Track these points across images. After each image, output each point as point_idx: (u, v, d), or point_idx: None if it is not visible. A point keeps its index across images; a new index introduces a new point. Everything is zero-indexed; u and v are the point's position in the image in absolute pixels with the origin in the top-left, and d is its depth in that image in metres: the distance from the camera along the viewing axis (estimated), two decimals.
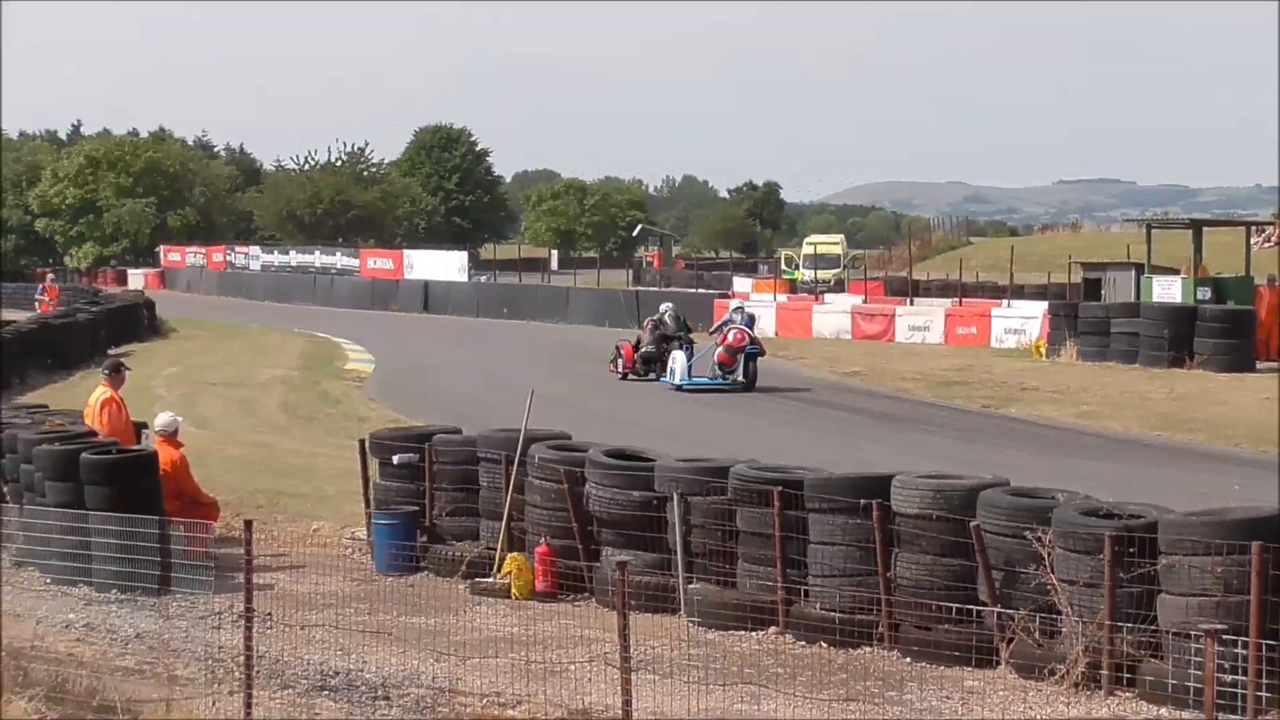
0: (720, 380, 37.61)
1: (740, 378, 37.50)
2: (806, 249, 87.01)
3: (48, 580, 17.68)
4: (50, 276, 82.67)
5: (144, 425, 21.14)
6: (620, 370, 40.73)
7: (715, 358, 37.90)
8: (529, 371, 40.44)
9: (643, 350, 40.51)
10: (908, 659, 14.48)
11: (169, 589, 16.56)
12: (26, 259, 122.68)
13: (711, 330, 41.39)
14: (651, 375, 39.80)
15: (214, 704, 12.95)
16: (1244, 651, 12.32)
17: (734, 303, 46.78)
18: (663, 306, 42.91)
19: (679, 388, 37.61)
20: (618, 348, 41.64)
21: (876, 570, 14.93)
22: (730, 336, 37.84)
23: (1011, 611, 13.99)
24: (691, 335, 41.26)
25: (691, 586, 16.14)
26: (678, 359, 38.31)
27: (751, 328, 39.08)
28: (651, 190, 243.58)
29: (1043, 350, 44.17)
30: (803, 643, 15.08)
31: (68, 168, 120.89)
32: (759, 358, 38.06)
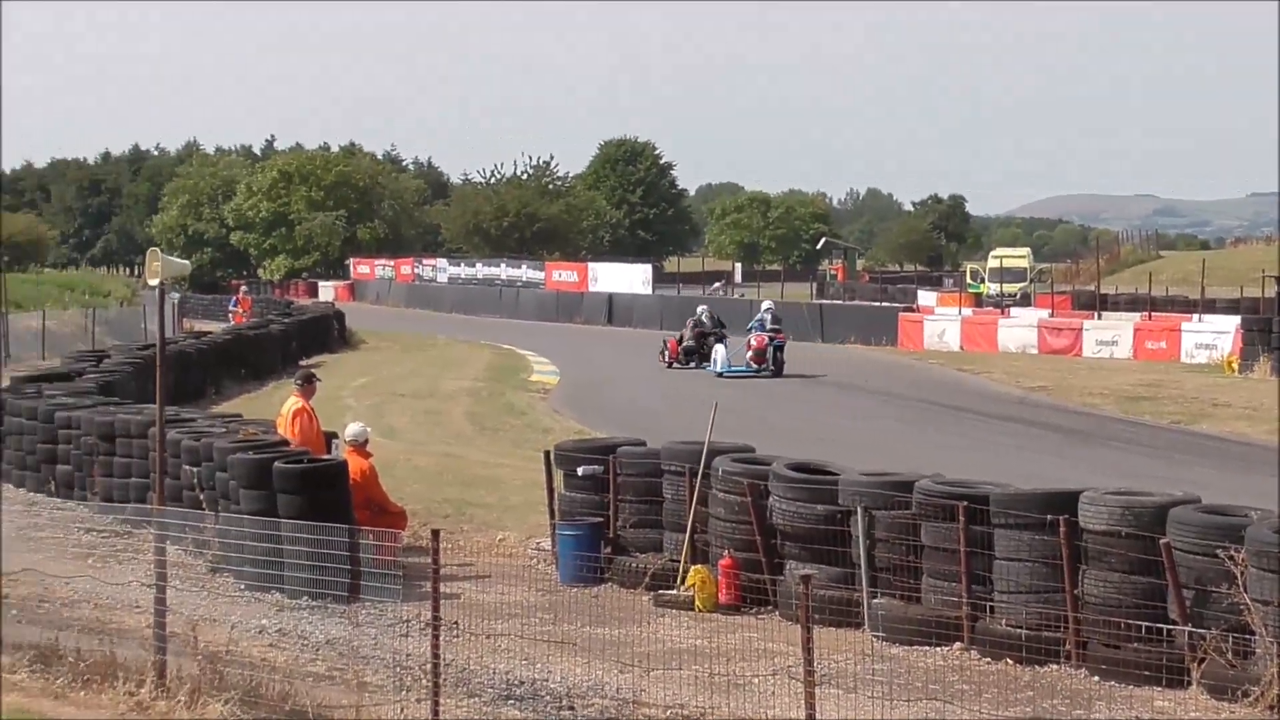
0: (754, 369, 44.95)
1: (770, 367, 44.75)
2: (992, 262, 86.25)
3: (242, 586, 17.99)
4: (244, 288, 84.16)
5: (334, 435, 21.46)
6: (666, 360, 48.52)
7: (748, 355, 45.29)
8: (712, 384, 40.49)
9: (684, 344, 48.56)
10: (1095, 677, 14.28)
11: (358, 597, 16.77)
12: (222, 271, 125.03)
13: (747, 328, 46.79)
14: (692, 364, 47.71)
15: (401, 711, 13.12)
16: None
17: (764, 303, 50.97)
18: (699, 308, 52.12)
19: (720, 374, 44.82)
20: (665, 342, 49.91)
21: (1063, 587, 14.75)
22: (753, 342, 45.24)
23: (1203, 631, 13.75)
24: (725, 330, 48.97)
25: (875, 601, 16.07)
26: (718, 351, 46.27)
27: (778, 324, 46.16)
28: (835, 203, 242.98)
29: (1235, 366, 43.45)
30: (988, 659, 14.95)
31: (261, 182, 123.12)
32: (783, 347, 45.38)
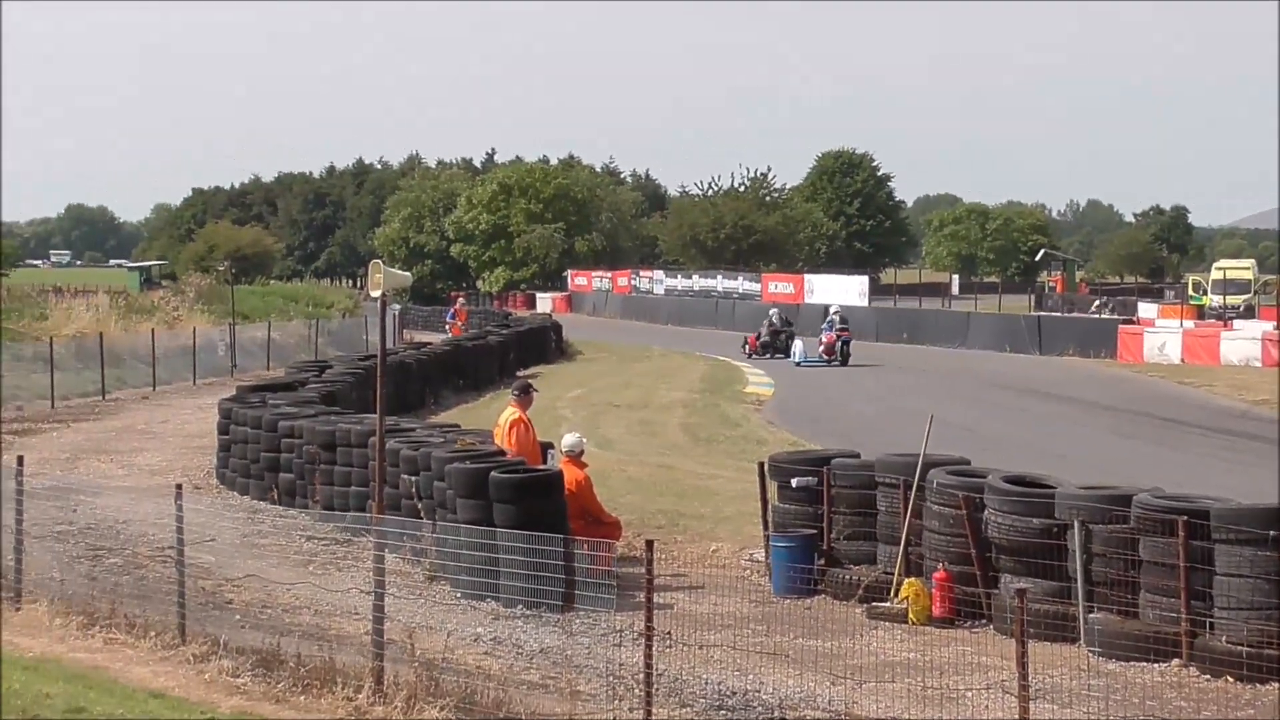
0: (825, 361, 55.41)
1: (839, 359, 55.17)
2: (1215, 274, 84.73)
3: (459, 595, 18.24)
4: (461, 300, 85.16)
5: (550, 445, 21.67)
6: (746, 352, 60.49)
7: (820, 349, 56.12)
8: (927, 396, 40.28)
9: (761, 340, 60.87)
10: None
11: (573, 606, 16.92)
12: (442, 283, 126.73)
13: (821, 327, 57.75)
14: (768, 356, 59.29)
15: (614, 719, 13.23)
16: None
17: (833, 307, 61.22)
18: (771, 311, 64.78)
19: (798, 364, 55.64)
20: (745, 339, 62.87)
21: None
22: (823, 339, 56.31)
23: None
24: (793, 328, 61.32)
25: (1092, 615, 15.88)
26: (798, 346, 57.58)
27: (845, 325, 56.77)
28: (1055, 214, 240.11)
29: None
30: (1207, 676, 14.70)
31: (481, 195, 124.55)
32: (849, 343, 55.99)
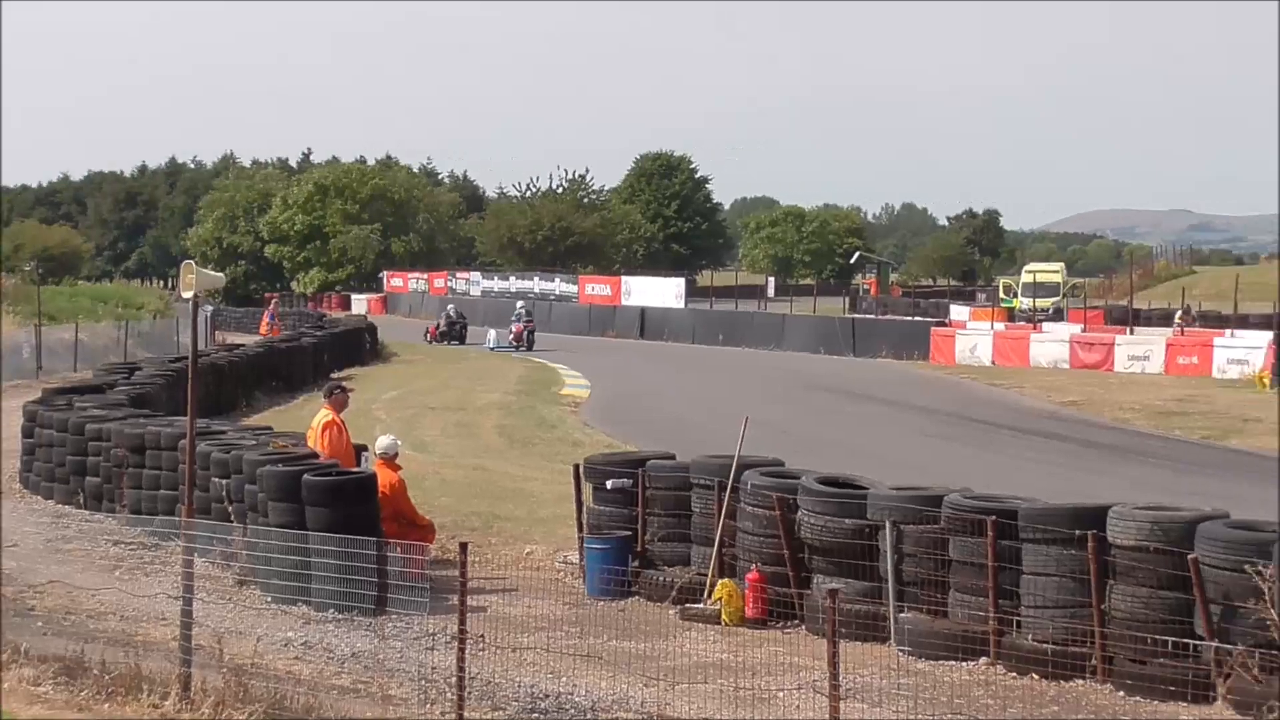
0: (514, 347, 66.01)
1: (526, 347, 65.70)
2: (1025, 277, 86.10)
3: (269, 599, 18.03)
4: (274, 301, 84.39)
5: (364, 448, 21.50)
6: (428, 339, 71.66)
7: (510, 338, 67.10)
8: (743, 398, 40.52)
9: (440, 330, 72.41)
10: (1121, 693, 14.25)
11: (385, 610, 16.80)
12: (256, 284, 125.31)
13: (510, 319, 69.29)
14: (445, 343, 70.73)
15: None
16: None
17: (519, 304, 73.77)
18: (449, 307, 76.60)
19: (492, 350, 65.78)
20: (427, 328, 74.25)
21: (1090, 602, 14.72)
22: (513, 329, 67.46)
23: (1230, 647, 13.72)
24: (466, 321, 73.94)
25: (902, 615, 16.05)
26: (491, 334, 68.72)
27: (530, 317, 68.71)
28: (870, 217, 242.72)
29: (1267, 382, 43.32)
30: (1014, 674, 14.91)
31: (297, 195, 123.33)
32: (534, 331, 67.73)
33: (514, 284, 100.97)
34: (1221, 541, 14.15)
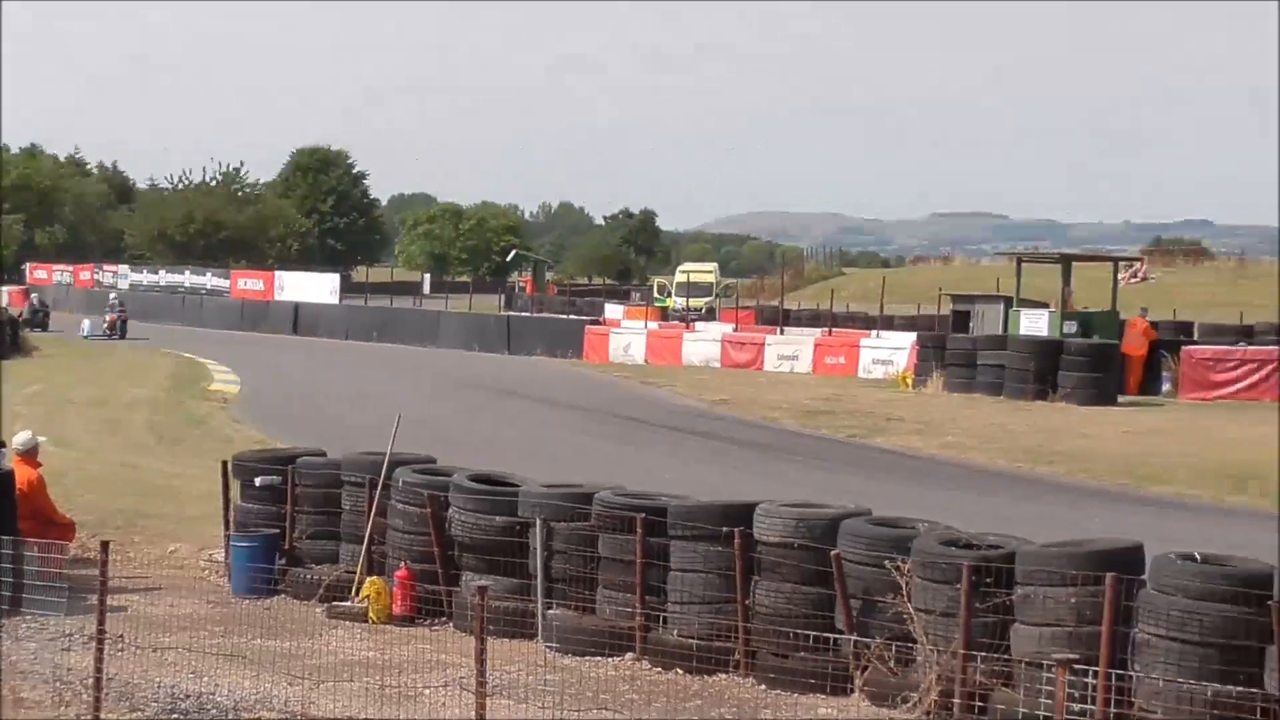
0: (108, 335, 68.69)
1: (119, 335, 68.76)
2: (679, 277, 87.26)
3: None
4: None
5: (1, 444, 20.80)
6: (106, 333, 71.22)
7: (104, 327, 69.72)
8: (397, 395, 40.26)
9: (24, 317, 67.28)
10: (762, 686, 14.52)
11: (19, 610, 16.29)
12: None
13: (104, 309, 72.32)
14: (28, 330, 66.00)
15: None
16: (1093, 681, 12.48)
17: (112, 294, 77.80)
18: (32, 295, 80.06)
19: (85, 337, 67.78)
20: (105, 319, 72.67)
21: (736, 598, 14.95)
22: (107, 318, 70.29)
23: (867, 640, 14.07)
24: (49, 307, 76.03)
25: (551, 612, 16.11)
26: (85, 323, 70.51)
27: (124, 307, 72.17)
28: (527, 216, 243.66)
29: (910, 381, 44.52)
30: (659, 669, 15.08)
31: None
32: (127, 321, 70.66)
33: (164, 278, 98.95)
34: (863, 538, 14.50)
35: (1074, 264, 47.24)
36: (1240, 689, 12.37)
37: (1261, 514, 24.28)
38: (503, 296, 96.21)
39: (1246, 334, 56.37)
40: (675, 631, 15.31)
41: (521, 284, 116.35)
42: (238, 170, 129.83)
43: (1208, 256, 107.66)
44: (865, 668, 14.05)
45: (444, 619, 16.95)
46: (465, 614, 16.21)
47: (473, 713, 11.08)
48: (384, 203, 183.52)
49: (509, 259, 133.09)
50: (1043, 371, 39.84)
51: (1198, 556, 13.12)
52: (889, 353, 50.20)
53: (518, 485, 17.29)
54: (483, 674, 11.11)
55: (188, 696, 13.81)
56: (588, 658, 15.38)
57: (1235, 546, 15.12)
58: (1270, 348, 45.47)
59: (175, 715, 13.35)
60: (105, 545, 12.99)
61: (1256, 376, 42.07)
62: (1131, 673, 12.74)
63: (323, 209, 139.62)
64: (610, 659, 15.33)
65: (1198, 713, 12.41)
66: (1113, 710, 12.51)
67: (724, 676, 14.75)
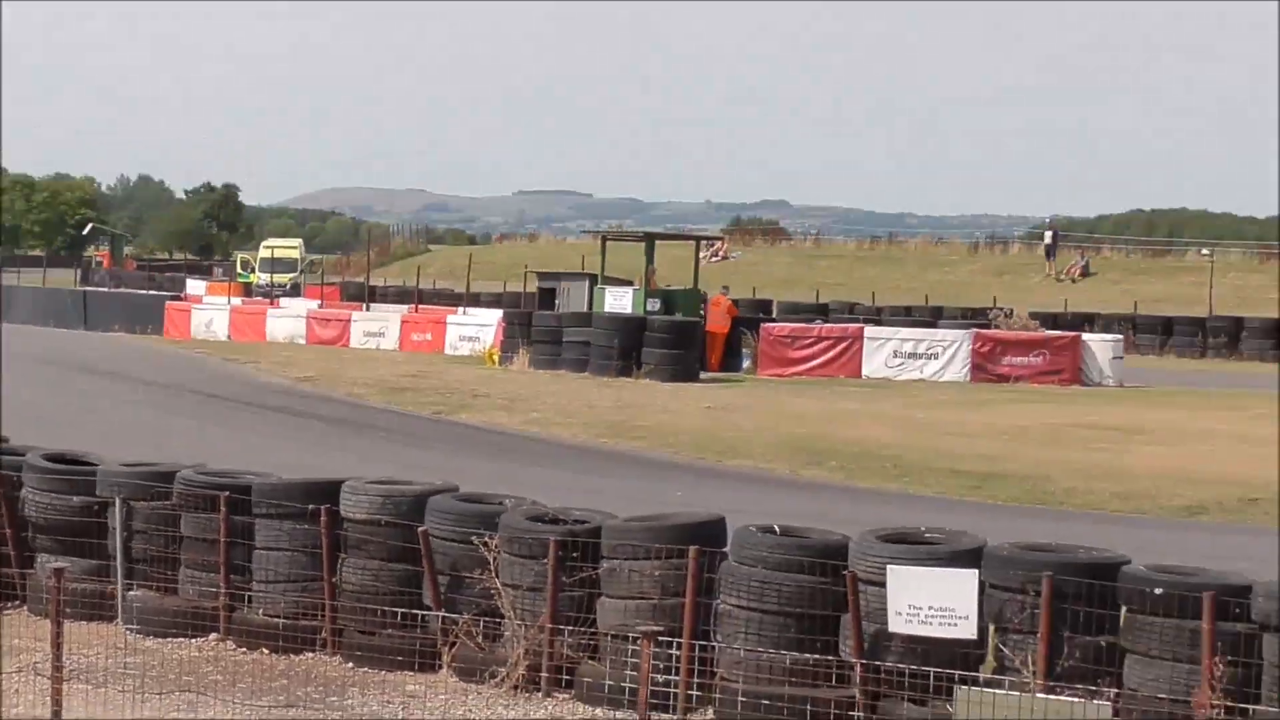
0: None
1: None
2: (263, 253, 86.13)
3: None
4: None
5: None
6: None
7: None
8: None
9: None
10: (350, 664, 14.44)
11: None
12: None
13: None
14: None
15: None
16: (677, 652, 12.73)
17: None
18: None
19: None
20: None
21: (323, 576, 14.84)
22: None
23: (455, 616, 14.09)
24: None
25: (131, 593, 15.73)
26: None
27: None
28: (105, 189, 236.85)
29: (496, 358, 44.72)
30: (244, 649, 14.86)
31: None
32: None
33: None
34: (450, 514, 14.53)
35: (657, 242, 48.09)
36: (817, 656, 12.77)
37: (836, 487, 25.13)
38: (79, 271, 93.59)
39: (822, 312, 58.25)
40: (261, 611, 15.11)
41: (98, 259, 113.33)
42: None
43: (785, 236, 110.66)
44: (453, 643, 14.08)
45: (18, 603, 16.39)
46: (40, 597, 15.71)
47: (48, 698, 10.74)
48: None
49: (85, 233, 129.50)
50: (627, 348, 40.38)
51: (777, 529, 13.47)
52: (475, 330, 50.35)
53: (95, 464, 16.83)
54: (59, 659, 10.81)
55: None
56: (170, 639, 15.07)
57: (812, 518, 15.62)
58: (846, 325, 47.01)
59: None
60: None
61: (832, 353, 43.45)
62: (714, 643, 13.03)
63: None
64: (194, 640, 15.05)
65: (777, 679, 12.76)
66: (696, 680, 12.79)
67: (311, 655, 14.63)
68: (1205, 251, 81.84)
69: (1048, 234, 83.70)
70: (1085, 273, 79.34)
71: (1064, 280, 77.70)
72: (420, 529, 14.35)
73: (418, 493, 14.98)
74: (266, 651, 14.72)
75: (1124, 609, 12.28)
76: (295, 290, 73.93)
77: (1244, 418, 34.77)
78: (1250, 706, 11.64)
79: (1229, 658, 11.60)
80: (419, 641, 14.18)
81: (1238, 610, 11.90)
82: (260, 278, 79.18)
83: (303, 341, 54.15)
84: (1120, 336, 48.12)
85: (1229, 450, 29.25)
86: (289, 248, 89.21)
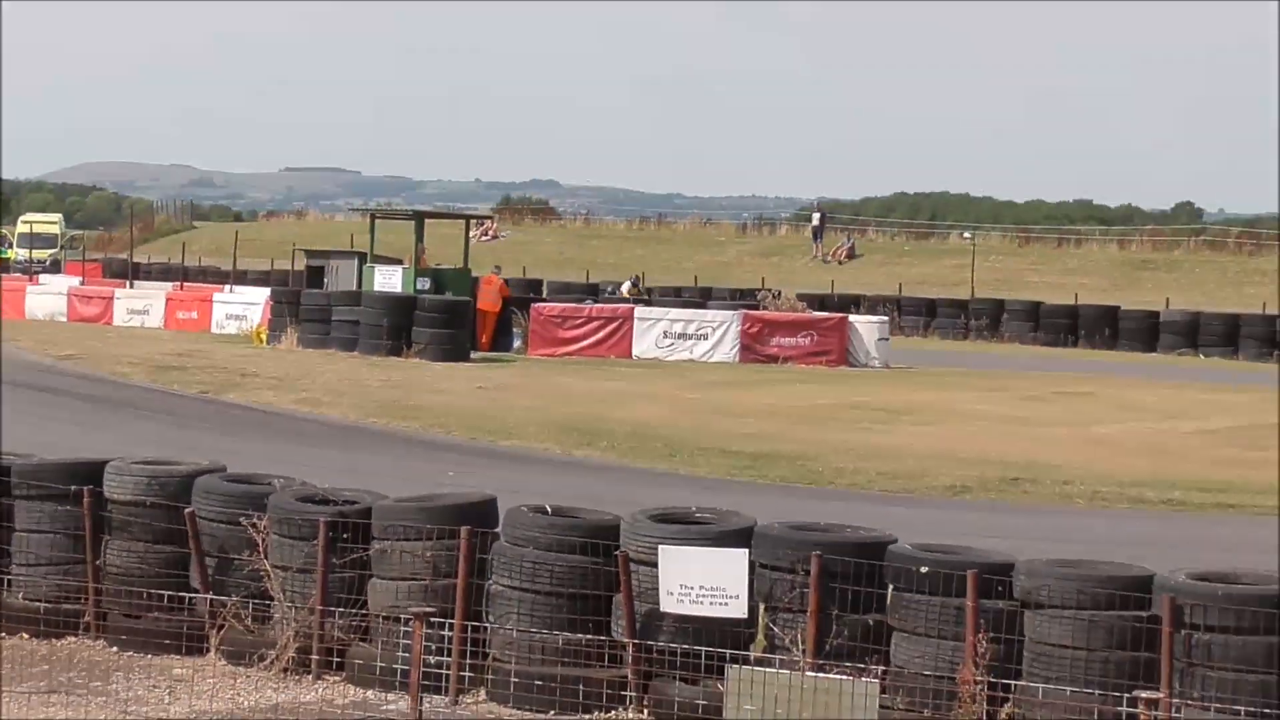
0: None
1: None
2: (21, 228, 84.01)
3: None
4: None
5: None
6: None
7: None
8: None
9: None
10: (114, 648, 14.20)
11: None
12: None
13: None
14: None
15: None
16: (449, 634, 12.69)
17: None
18: None
19: None
20: None
21: (86, 558, 14.55)
22: None
23: (223, 598, 13.91)
24: None
25: None
26: None
27: None
28: None
29: (264, 337, 44.19)
30: (4, 634, 14.52)
31: None
32: None
33: None
34: (218, 495, 14.35)
35: (427, 221, 47.84)
36: (589, 636, 12.81)
37: (609, 467, 25.23)
38: None
39: (592, 292, 58.38)
40: (20, 595, 14.78)
41: None
42: None
43: (555, 216, 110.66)
44: (221, 626, 13.90)
45: None
46: None
47: None
48: None
49: None
50: (397, 327, 40.11)
51: (549, 509, 13.49)
52: (243, 308, 49.66)
53: None
54: None
55: None
56: None
57: (585, 498, 15.66)
58: (616, 305, 47.19)
59: None
60: None
61: (603, 334, 43.59)
62: (486, 624, 13.01)
63: None
64: None
65: (549, 660, 12.78)
66: (468, 661, 12.77)
67: (74, 639, 14.36)
68: (967, 235, 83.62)
69: (815, 216, 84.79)
70: (851, 255, 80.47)
71: (830, 262, 78.74)
72: (187, 510, 14.13)
73: (184, 473, 14.76)
74: (27, 636, 14.40)
75: (891, 587, 12.48)
76: (55, 267, 72.34)
77: (1006, 398, 35.62)
78: (1013, 682, 11.90)
79: (992, 634, 11.85)
80: (186, 624, 13.98)
81: (1000, 588, 12.17)
82: (18, 254, 77.33)
83: (64, 319, 53.05)
84: (886, 318, 48.96)
85: (991, 430, 29.92)
86: (48, 223, 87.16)
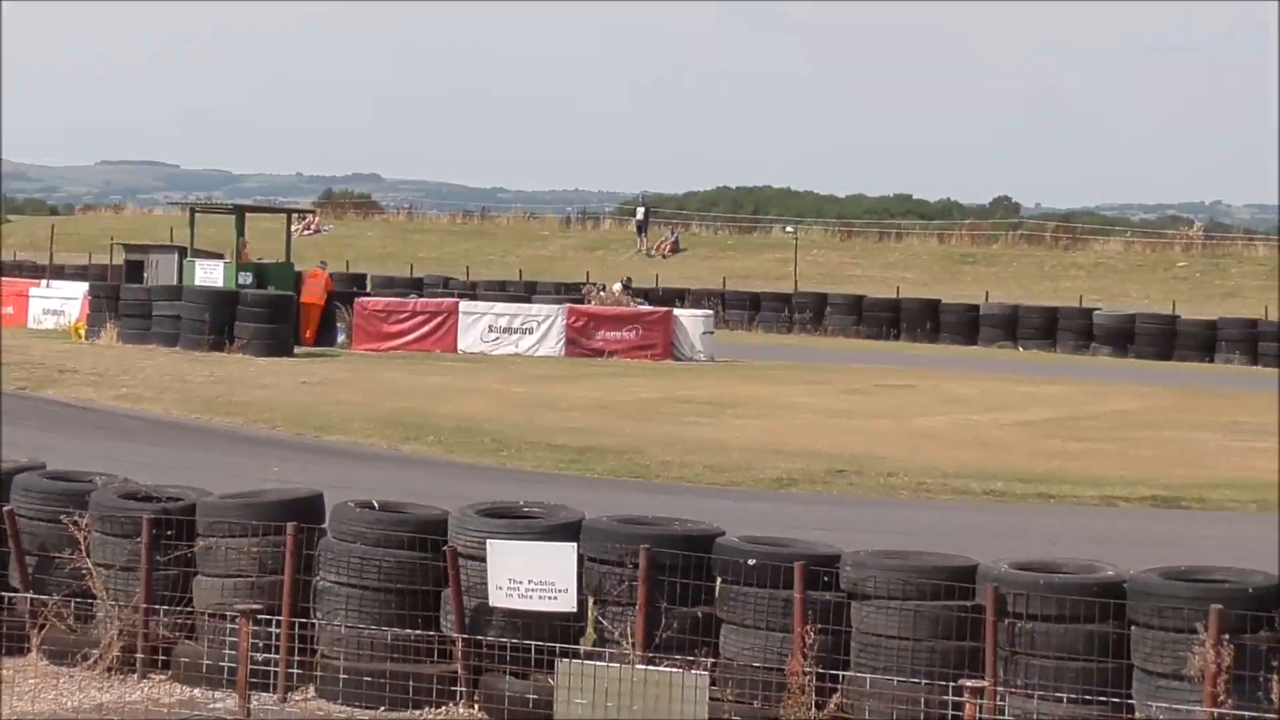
0: None
1: None
2: None
3: None
4: None
5: None
6: None
7: None
8: None
9: None
10: None
11: None
12: None
13: None
14: None
15: None
16: (277, 630, 12.61)
17: None
18: None
19: None
20: None
21: None
22: None
23: (44, 597, 13.70)
24: None
25: None
26: None
27: None
28: None
29: (82, 332, 43.50)
30: None
31: None
32: None
33: None
34: (38, 493, 14.17)
35: (248, 215, 47.32)
36: (419, 631, 12.77)
37: (436, 462, 25.16)
38: None
39: (417, 286, 58.09)
40: None
41: None
42: None
43: (378, 210, 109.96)
44: (43, 625, 13.71)
45: None
46: None
47: None
48: None
49: None
50: (219, 322, 39.64)
51: (375, 504, 13.44)
52: (60, 303, 48.81)
53: None
54: None
55: None
56: None
57: (412, 494, 15.59)
58: (441, 299, 47.00)
59: None
60: None
61: (428, 328, 43.40)
62: (314, 620, 12.94)
63: None
64: None
65: (378, 656, 12.73)
66: (296, 658, 12.69)
67: None
68: (789, 229, 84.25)
69: (639, 210, 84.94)
70: (675, 249, 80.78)
71: (655, 256, 78.96)
72: (5, 508, 13.91)
73: (2, 471, 14.54)
74: None
75: (719, 580, 12.57)
76: None
77: (830, 391, 35.99)
78: (841, 673, 12.03)
79: (819, 626, 11.97)
80: (6, 624, 13.75)
81: (827, 579, 12.30)
82: None
83: None
84: (710, 312, 49.18)
85: (816, 423, 30.22)
86: None
